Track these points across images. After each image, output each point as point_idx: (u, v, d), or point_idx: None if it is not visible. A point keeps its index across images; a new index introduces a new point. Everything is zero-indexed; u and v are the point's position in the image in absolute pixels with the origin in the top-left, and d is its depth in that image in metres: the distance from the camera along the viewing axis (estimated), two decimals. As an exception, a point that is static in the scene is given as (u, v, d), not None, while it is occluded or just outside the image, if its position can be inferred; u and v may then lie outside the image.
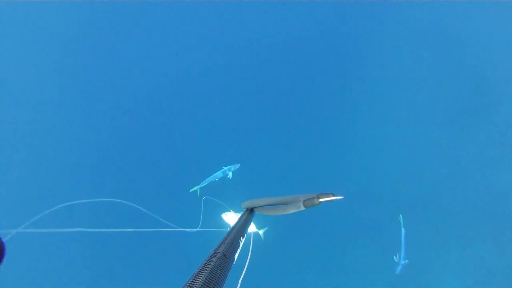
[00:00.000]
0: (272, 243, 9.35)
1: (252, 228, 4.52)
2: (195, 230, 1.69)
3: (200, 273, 1.00)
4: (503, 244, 9.43)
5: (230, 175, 8.44)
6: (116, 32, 12.53)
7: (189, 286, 0.92)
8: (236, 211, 3.33)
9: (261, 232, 6.58)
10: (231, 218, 4.21)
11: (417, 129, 10.55)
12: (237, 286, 1.27)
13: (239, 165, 8.57)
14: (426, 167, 10.29)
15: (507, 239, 9.45)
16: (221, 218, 3.34)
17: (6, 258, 0.73)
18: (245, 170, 9.36)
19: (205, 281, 0.95)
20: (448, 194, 10.07)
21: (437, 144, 10.47)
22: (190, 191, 8.45)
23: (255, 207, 1.76)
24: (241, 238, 1.37)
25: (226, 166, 8.43)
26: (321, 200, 1.47)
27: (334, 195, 1.46)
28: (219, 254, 1.13)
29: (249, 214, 1.73)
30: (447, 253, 9.53)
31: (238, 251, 1.30)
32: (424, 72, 10.91)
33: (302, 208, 1.52)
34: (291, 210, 1.57)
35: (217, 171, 8.41)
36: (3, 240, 0.73)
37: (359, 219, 9.97)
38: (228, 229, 1.50)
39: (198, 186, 8.38)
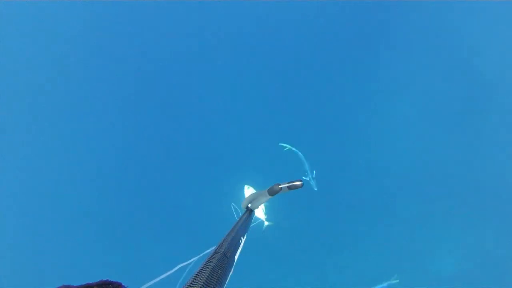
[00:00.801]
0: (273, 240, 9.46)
1: (260, 213, 4.87)
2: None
3: (200, 273, 1.00)
4: (503, 229, 9.43)
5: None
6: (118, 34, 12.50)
7: (189, 286, 0.92)
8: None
9: (266, 223, 6.56)
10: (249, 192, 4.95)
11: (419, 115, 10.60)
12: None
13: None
14: (429, 150, 10.30)
15: (507, 225, 9.49)
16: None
17: None
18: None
19: (205, 281, 0.95)
20: (451, 177, 10.08)
21: (440, 128, 10.45)
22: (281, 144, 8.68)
23: (249, 204, 1.86)
24: (242, 238, 1.37)
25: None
26: (280, 186, 1.74)
27: (294, 182, 1.72)
28: (219, 254, 1.13)
29: (249, 213, 1.75)
30: (448, 237, 9.57)
31: (239, 251, 1.30)
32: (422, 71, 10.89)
33: (268, 196, 1.78)
34: (262, 200, 1.81)
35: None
36: None
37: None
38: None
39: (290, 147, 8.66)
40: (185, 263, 1.26)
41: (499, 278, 9.01)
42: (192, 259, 1.31)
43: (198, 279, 0.96)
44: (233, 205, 2.19)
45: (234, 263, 1.20)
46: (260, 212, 5.27)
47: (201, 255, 1.30)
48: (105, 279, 0.69)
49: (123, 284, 0.72)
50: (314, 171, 8.77)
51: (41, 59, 12.39)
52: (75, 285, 0.63)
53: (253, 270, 9.49)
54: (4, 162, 11.99)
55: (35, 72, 12.30)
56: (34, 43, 12.47)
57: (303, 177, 8.74)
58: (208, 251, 1.29)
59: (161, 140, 11.63)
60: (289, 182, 1.76)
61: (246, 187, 5.42)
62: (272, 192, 1.75)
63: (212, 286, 0.95)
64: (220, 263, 1.08)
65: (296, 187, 1.75)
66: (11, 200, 11.95)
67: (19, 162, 12.05)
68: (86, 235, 11.30)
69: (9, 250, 11.75)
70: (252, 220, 1.79)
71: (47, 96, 12.24)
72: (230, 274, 1.11)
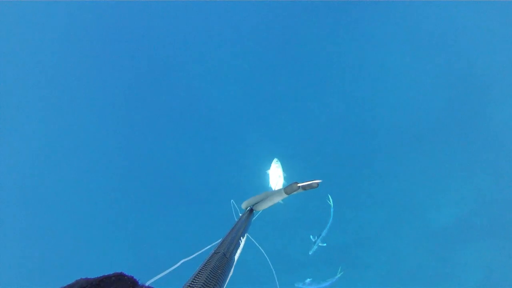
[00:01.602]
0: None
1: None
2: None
3: (200, 273, 0.99)
4: (500, 176, 9.40)
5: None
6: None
7: (189, 286, 0.92)
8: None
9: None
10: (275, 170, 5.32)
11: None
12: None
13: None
14: (427, 101, 10.17)
15: (504, 171, 9.40)
16: None
17: None
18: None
19: (205, 281, 0.95)
20: (448, 125, 9.93)
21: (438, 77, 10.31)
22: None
23: (253, 205, 1.82)
24: (242, 238, 1.37)
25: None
26: (299, 185, 1.69)
27: (313, 181, 1.68)
28: (219, 254, 1.13)
29: (249, 214, 1.74)
30: (445, 182, 9.52)
31: (239, 251, 1.30)
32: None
33: (284, 195, 1.72)
34: (276, 199, 1.76)
35: None
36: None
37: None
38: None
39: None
40: (187, 258, 1.26)
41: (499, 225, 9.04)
42: (195, 254, 1.30)
43: (198, 279, 0.95)
44: (232, 202, 2.14)
45: (234, 263, 1.19)
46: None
47: (203, 249, 1.30)
48: (119, 271, 0.71)
49: (135, 277, 0.73)
50: (325, 244, 7.92)
51: (40, 59, 12.39)
52: (92, 277, 0.65)
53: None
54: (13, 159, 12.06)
55: (34, 72, 12.32)
56: (33, 43, 12.48)
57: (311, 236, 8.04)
58: (210, 245, 1.29)
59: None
60: (308, 181, 1.69)
61: (275, 160, 5.40)
62: (290, 191, 1.70)
63: (211, 287, 0.95)
64: (220, 263, 1.08)
65: (312, 187, 1.70)
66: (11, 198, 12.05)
67: (27, 158, 12.10)
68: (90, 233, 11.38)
69: (10, 249, 11.87)
70: (253, 219, 1.77)
71: (47, 96, 12.25)
72: (230, 275, 1.11)
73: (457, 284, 8.90)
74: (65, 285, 0.63)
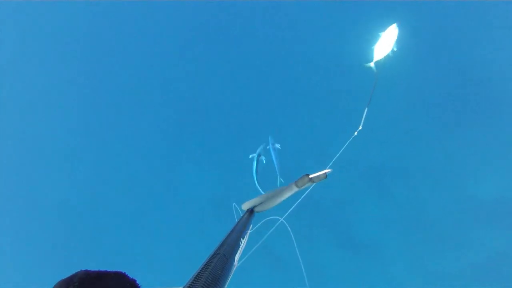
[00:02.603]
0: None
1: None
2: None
3: (200, 274, 1.00)
4: None
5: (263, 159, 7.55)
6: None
7: (189, 287, 0.92)
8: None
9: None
10: None
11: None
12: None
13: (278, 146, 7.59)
14: None
15: None
16: None
17: None
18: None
19: (205, 282, 0.95)
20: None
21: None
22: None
23: (255, 207, 1.78)
24: (242, 239, 1.37)
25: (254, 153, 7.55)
26: (311, 176, 1.56)
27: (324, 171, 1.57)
28: (219, 255, 1.13)
29: (249, 215, 1.73)
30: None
31: (239, 252, 1.30)
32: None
33: (296, 189, 1.61)
34: (287, 194, 1.65)
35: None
36: None
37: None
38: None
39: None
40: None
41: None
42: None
43: (198, 280, 0.95)
44: (234, 205, 2.10)
45: (234, 264, 1.19)
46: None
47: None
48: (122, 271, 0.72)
49: (137, 281, 0.73)
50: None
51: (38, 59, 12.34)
52: (92, 270, 0.67)
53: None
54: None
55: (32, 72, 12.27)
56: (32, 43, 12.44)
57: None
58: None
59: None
60: (319, 172, 1.56)
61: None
62: (302, 184, 1.56)
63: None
64: (220, 264, 1.08)
65: (320, 178, 1.57)
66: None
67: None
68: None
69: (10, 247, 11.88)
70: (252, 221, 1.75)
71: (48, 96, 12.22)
72: (230, 276, 1.11)
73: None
74: (65, 277, 0.64)
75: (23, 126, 12.25)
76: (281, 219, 1.45)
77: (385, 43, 5.04)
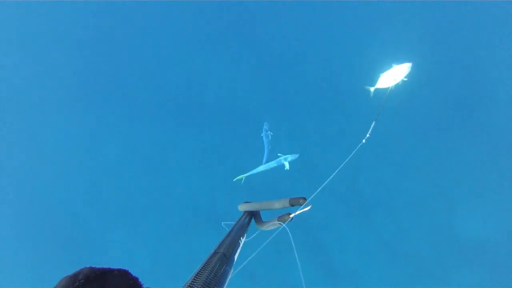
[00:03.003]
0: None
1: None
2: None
3: (200, 273, 1.01)
4: None
5: (287, 166, 7.31)
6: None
7: (189, 286, 0.93)
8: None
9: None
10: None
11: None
12: None
13: (298, 155, 7.44)
14: None
15: None
16: None
17: None
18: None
19: (205, 281, 0.96)
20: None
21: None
22: (234, 180, 7.45)
23: (253, 212, 1.76)
24: (241, 238, 1.37)
25: (283, 155, 7.34)
26: (292, 216, 1.58)
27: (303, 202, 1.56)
28: (219, 254, 1.14)
29: (248, 218, 1.71)
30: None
31: (238, 251, 1.31)
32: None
33: (278, 224, 1.62)
34: (271, 226, 1.65)
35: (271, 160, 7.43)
36: None
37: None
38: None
39: (244, 175, 7.32)
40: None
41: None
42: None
43: (198, 279, 0.96)
44: (223, 224, 2.07)
45: (234, 263, 1.20)
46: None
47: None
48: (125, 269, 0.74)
49: (139, 280, 0.75)
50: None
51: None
52: (96, 267, 0.69)
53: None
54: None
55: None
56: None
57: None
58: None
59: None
60: (301, 210, 1.57)
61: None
62: (283, 221, 1.57)
63: (211, 286, 0.95)
64: (220, 263, 1.09)
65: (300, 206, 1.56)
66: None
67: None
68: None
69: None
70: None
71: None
72: (230, 274, 1.12)
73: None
74: (70, 274, 0.66)
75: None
76: (283, 225, 1.44)
77: (394, 76, 5.15)
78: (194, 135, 10.88)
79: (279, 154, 7.36)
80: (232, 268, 1.16)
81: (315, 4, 10.93)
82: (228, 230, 1.88)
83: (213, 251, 1.17)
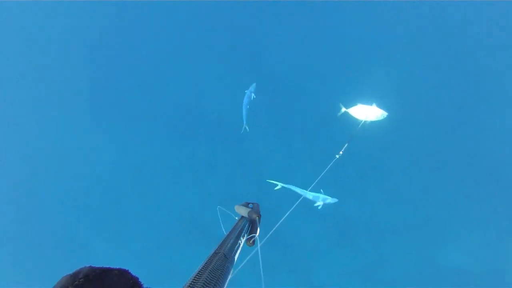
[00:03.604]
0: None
1: None
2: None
3: (200, 273, 1.00)
4: None
5: (320, 204, 7.29)
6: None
7: (189, 286, 0.92)
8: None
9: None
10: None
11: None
12: None
13: (336, 200, 7.41)
14: None
15: None
16: None
17: None
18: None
19: (205, 281, 0.95)
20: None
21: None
22: (268, 180, 7.59)
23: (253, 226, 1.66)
24: (241, 238, 1.37)
25: (326, 194, 7.31)
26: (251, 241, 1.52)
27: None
28: (219, 254, 1.13)
29: (248, 221, 1.70)
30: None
31: (239, 251, 1.31)
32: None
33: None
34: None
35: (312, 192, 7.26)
36: None
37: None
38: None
39: (281, 184, 7.42)
40: None
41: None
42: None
43: (198, 279, 0.95)
44: (219, 208, 1.97)
45: (234, 263, 1.19)
46: None
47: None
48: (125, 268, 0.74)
49: (139, 279, 0.74)
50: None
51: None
52: (96, 266, 0.69)
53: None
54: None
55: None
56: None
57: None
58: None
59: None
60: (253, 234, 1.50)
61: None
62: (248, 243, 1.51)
63: (211, 287, 0.94)
64: (220, 263, 1.08)
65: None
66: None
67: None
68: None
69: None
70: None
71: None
72: (230, 275, 1.11)
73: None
74: (70, 272, 0.66)
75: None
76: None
77: (367, 113, 5.71)
78: (186, 146, 10.76)
79: (321, 190, 7.32)
80: (232, 269, 1.15)
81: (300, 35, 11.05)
82: (226, 212, 1.85)
83: (214, 251, 1.17)
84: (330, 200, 7.19)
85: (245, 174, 10.10)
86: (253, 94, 7.87)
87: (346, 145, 4.47)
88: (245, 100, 7.86)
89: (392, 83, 9.74)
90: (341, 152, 4.42)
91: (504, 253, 9.23)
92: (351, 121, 6.01)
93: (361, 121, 5.61)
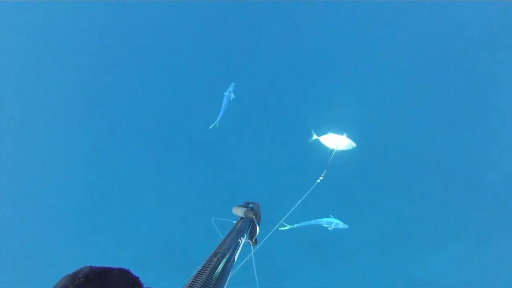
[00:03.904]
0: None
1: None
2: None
3: (200, 273, 0.99)
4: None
5: (330, 226, 7.31)
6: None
7: (189, 286, 0.92)
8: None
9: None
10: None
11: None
12: None
13: (347, 226, 7.34)
14: None
15: None
16: None
17: None
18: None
19: (205, 281, 0.95)
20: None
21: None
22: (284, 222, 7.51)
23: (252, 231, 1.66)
24: (241, 238, 1.37)
25: (337, 219, 7.34)
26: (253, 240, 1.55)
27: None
28: (219, 254, 1.13)
29: (250, 221, 1.70)
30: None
31: (239, 251, 1.30)
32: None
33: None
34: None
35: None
36: None
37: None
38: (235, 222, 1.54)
39: (296, 225, 7.32)
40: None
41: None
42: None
43: (198, 279, 0.95)
44: (213, 220, 1.91)
45: (234, 263, 1.20)
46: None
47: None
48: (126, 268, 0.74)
49: (140, 279, 0.74)
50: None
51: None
52: (96, 266, 0.69)
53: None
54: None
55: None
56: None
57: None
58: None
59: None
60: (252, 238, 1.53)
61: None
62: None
63: (211, 286, 0.94)
64: (220, 263, 1.08)
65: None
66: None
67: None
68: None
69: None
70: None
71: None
72: (230, 275, 1.11)
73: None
74: (70, 273, 0.66)
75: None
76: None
77: (337, 142, 5.90)
78: (177, 171, 10.70)
79: (331, 215, 7.38)
80: (232, 268, 1.15)
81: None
82: (222, 221, 1.83)
83: (214, 251, 1.17)
84: (342, 225, 7.25)
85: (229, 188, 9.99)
86: (232, 94, 7.83)
87: (325, 171, 4.68)
88: (224, 101, 7.82)
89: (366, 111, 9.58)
90: (321, 177, 4.63)
91: (475, 266, 9.18)
92: (323, 148, 6.13)
93: (332, 150, 5.82)
